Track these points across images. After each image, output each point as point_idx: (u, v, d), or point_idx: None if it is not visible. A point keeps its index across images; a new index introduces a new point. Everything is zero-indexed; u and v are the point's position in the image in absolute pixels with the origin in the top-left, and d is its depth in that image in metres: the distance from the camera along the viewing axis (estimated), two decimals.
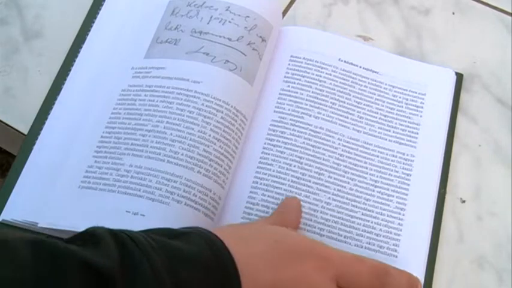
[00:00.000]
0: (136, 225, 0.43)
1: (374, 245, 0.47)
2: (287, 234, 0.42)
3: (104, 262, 0.32)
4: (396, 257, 0.46)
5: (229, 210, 0.47)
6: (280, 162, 0.48)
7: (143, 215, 0.44)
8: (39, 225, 0.45)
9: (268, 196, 0.47)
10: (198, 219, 0.45)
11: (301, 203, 0.47)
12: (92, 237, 0.34)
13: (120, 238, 0.34)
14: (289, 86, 0.52)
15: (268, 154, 0.49)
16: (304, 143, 0.49)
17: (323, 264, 0.40)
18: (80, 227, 0.43)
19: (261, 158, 0.49)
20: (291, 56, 0.53)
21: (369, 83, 0.53)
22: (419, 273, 0.46)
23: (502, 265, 0.48)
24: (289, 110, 0.51)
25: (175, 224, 0.42)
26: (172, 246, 0.36)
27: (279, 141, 0.49)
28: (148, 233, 0.36)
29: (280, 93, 0.52)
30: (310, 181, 0.48)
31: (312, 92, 0.51)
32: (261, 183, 0.48)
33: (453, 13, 0.58)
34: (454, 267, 0.48)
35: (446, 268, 0.48)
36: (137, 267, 0.33)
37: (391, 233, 0.47)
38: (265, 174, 0.48)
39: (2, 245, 0.31)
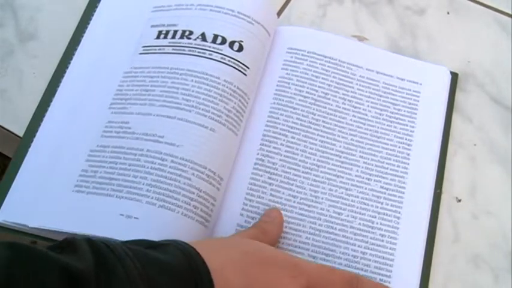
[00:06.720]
0: (130, 228, 0.43)
1: (371, 244, 0.47)
2: (260, 247, 0.42)
3: (79, 265, 0.33)
4: (393, 255, 0.46)
5: (225, 217, 0.47)
6: (275, 181, 0.48)
7: (137, 218, 0.44)
8: (29, 225, 0.45)
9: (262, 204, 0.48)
10: (192, 225, 0.44)
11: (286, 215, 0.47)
12: (70, 244, 0.35)
13: (96, 245, 0.35)
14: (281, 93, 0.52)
15: (263, 161, 0.49)
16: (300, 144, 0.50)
17: (295, 273, 0.40)
18: (73, 230, 0.43)
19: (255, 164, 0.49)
20: (287, 49, 0.53)
21: (363, 80, 0.53)
22: (416, 273, 0.46)
23: (498, 264, 0.48)
24: (283, 117, 0.51)
25: (169, 227, 0.43)
26: (148, 254, 0.36)
27: (273, 150, 0.49)
28: (126, 244, 0.37)
29: (272, 103, 0.51)
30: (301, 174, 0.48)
31: (308, 89, 0.51)
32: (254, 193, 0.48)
33: (448, 13, 0.58)
34: (450, 267, 0.48)
35: (443, 267, 0.48)
36: (111, 270, 0.34)
37: (388, 232, 0.47)
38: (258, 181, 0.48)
39: None
